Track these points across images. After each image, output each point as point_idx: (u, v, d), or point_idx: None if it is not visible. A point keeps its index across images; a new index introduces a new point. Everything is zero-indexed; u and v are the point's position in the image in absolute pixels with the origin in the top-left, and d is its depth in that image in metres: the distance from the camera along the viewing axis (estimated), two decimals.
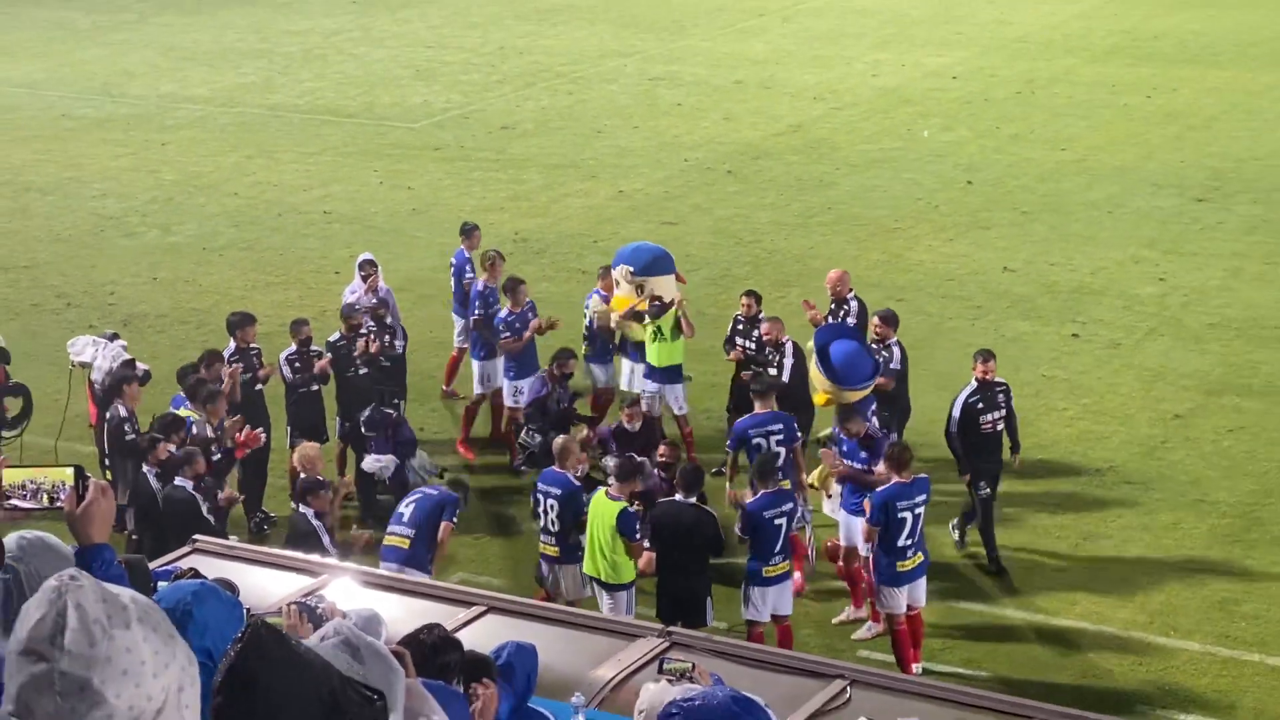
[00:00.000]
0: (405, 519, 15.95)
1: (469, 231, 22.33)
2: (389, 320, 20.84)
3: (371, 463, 18.96)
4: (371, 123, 36.37)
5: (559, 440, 16.90)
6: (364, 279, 21.48)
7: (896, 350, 19.23)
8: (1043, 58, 40.06)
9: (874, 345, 19.13)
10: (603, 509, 15.71)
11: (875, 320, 19.47)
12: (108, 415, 17.99)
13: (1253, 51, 39.81)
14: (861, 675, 10.41)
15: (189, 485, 16.21)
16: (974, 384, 17.85)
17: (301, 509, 15.91)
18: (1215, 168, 31.13)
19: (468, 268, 21.81)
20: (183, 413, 17.76)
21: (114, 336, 19.80)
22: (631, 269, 20.68)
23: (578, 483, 16.41)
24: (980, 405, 17.70)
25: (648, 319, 20.05)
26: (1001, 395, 17.89)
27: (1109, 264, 26.29)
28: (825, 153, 32.95)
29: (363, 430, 19.15)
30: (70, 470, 5.22)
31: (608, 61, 41.26)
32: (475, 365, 21.11)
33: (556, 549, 16.30)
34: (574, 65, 40.97)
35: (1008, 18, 44.60)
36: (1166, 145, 32.80)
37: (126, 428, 17.68)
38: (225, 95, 39.12)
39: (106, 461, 18.31)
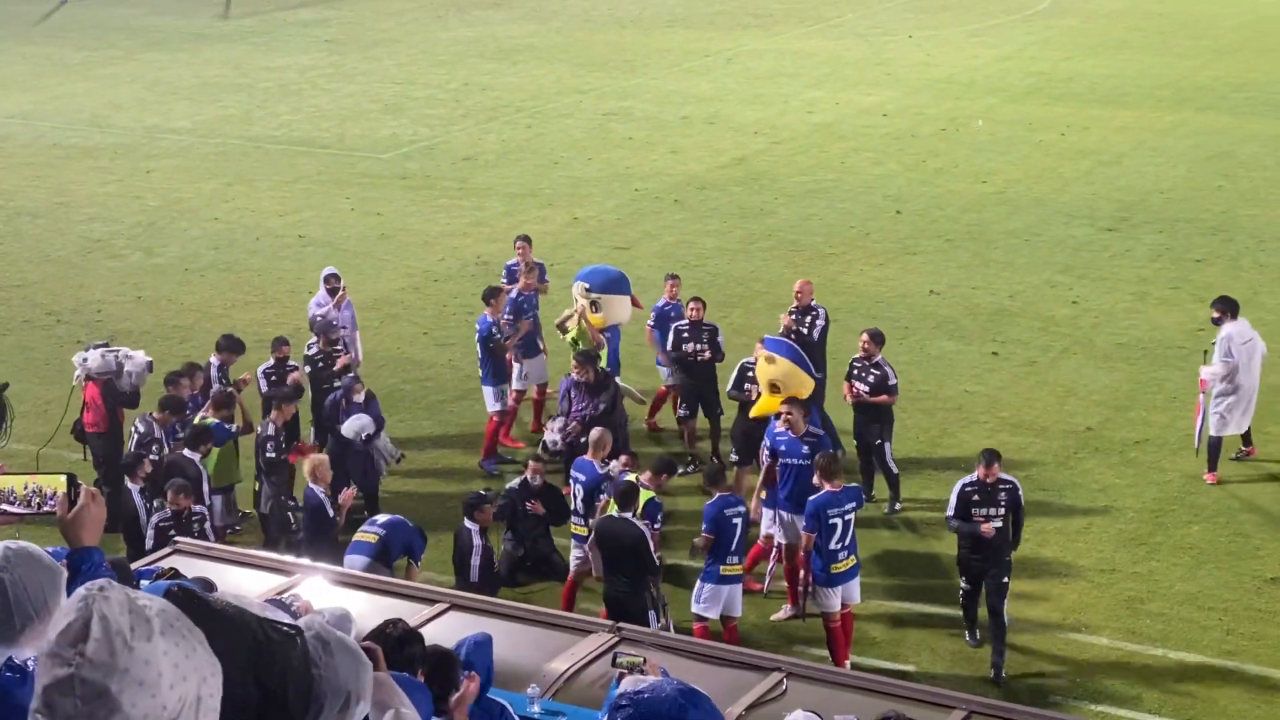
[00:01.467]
0: (379, 523, 16.30)
1: (490, 296, 21.02)
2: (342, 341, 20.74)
3: (351, 425, 18.75)
4: (343, 153, 36.27)
5: (595, 432, 17.50)
6: (330, 292, 21.46)
7: (888, 368, 19.23)
8: (966, 97, 40.24)
9: (862, 362, 19.15)
10: (640, 498, 16.05)
11: (864, 337, 19.47)
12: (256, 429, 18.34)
13: (1158, 94, 40.09)
14: (797, 668, 10.44)
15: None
16: (975, 476, 16.12)
17: (311, 485, 16.69)
18: (1123, 200, 31.31)
19: (493, 330, 20.74)
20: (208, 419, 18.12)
21: (108, 344, 19.67)
22: (587, 285, 20.82)
23: (601, 471, 16.86)
24: (976, 497, 15.93)
25: (561, 329, 20.67)
26: (1004, 494, 15.99)
27: (1026, 288, 26.41)
28: (765, 184, 33.01)
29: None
30: (63, 478, 5.21)
31: (564, 98, 41.25)
32: (514, 365, 21.10)
33: (585, 529, 16.64)
34: (533, 101, 40.95)
35: (934, 60, 44.79)
36: (1079, 179, 32.98)
37: (269, 445, 18.03)
38: (206, 127, 38.94)
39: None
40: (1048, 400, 22.17)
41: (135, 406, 19.00)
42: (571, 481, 17.37)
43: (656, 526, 16.03)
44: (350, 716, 3.81)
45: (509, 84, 43.05)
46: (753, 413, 18.32)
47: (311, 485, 16.77)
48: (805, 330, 20.16)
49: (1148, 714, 15.10)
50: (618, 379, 20.08)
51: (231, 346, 19.97)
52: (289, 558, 13.47)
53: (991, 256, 28.07)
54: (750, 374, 18.85)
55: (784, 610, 16.99)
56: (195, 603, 3.70)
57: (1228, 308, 19.92)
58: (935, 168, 34.02)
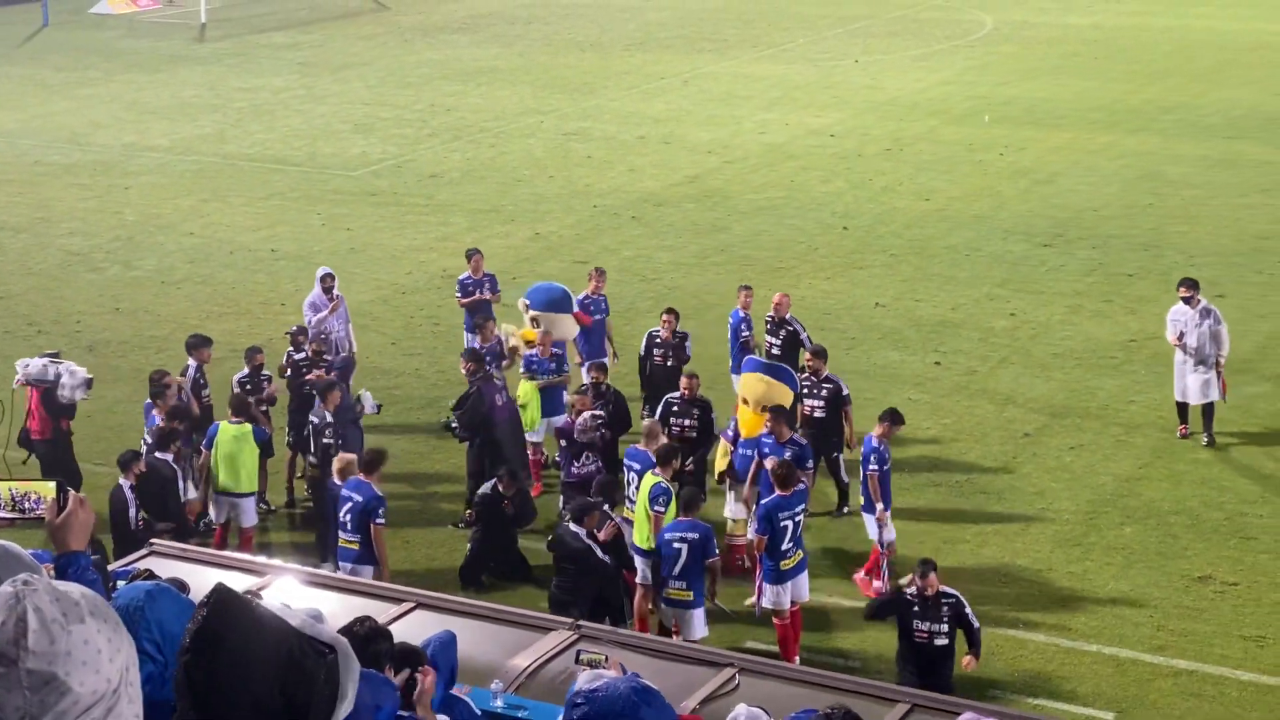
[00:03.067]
0: (349, 527, 16.52)
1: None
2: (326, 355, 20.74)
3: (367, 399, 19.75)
4: (314, 171, 36.15)
5: (647, 421, 17.91)
6: (325, 290, 21.54)
7: (838, 380, 19.34)
8: (909, 119, 40.38)
9: (810, 379, 19.19)
10: (647, 483, 16.43)
11: (807, 356, 19.58)
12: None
13: (1091, 115, 40.31)
14: (749, 664, 10.43)
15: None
16: (914, 588, 14.55)
17: (337, 482, 16.89)
18: (1058, 217, 31.46)
19: (743, 327, 21.23)
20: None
21: (56, 355, 19.52)
22: (529, 302, 20.93)
23: (654, 459, 16.98)
24: (916, 609, 14.40)
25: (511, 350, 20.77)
26: (947, 609, 14.41)
27: (967, 301, 26.51)
28: (719, 201, 33.05)
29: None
30: (52, 484, 5.20)
31: (526, 118, 41.22)
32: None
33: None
34: (496, 121, 40.90)
35: (879, 84, 44.94)
36: (1016, 197, 33.12)
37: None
38: (183, 145, 38.76)
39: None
40: (987, 408, 22.26)
41: (73, 417, 19.00)
42: (625, 470, 17.54)
43: (659, 509, 16.19)
44: (336, 715, 3.84)
45: (473, 105, 43.00)
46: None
47: (337, 481, 16.88)
48: (779, 341, 20.46)
49: (1081, 707, 15.16)
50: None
51: (201, 342, 19.87)
52: (260, 558, 13.40)
53: (934, 271, 28.17)
54: (658, 340, 20.43)
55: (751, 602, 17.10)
56: (239, 605, 3.70)
57: (1193, 289, 21.06)
58: (880, 186, 34.12)
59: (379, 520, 16.47)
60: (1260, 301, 25.84)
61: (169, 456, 17.38)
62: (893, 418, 17.57)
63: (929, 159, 36.33)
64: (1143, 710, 15.20)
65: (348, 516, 16.49)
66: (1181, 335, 20.90)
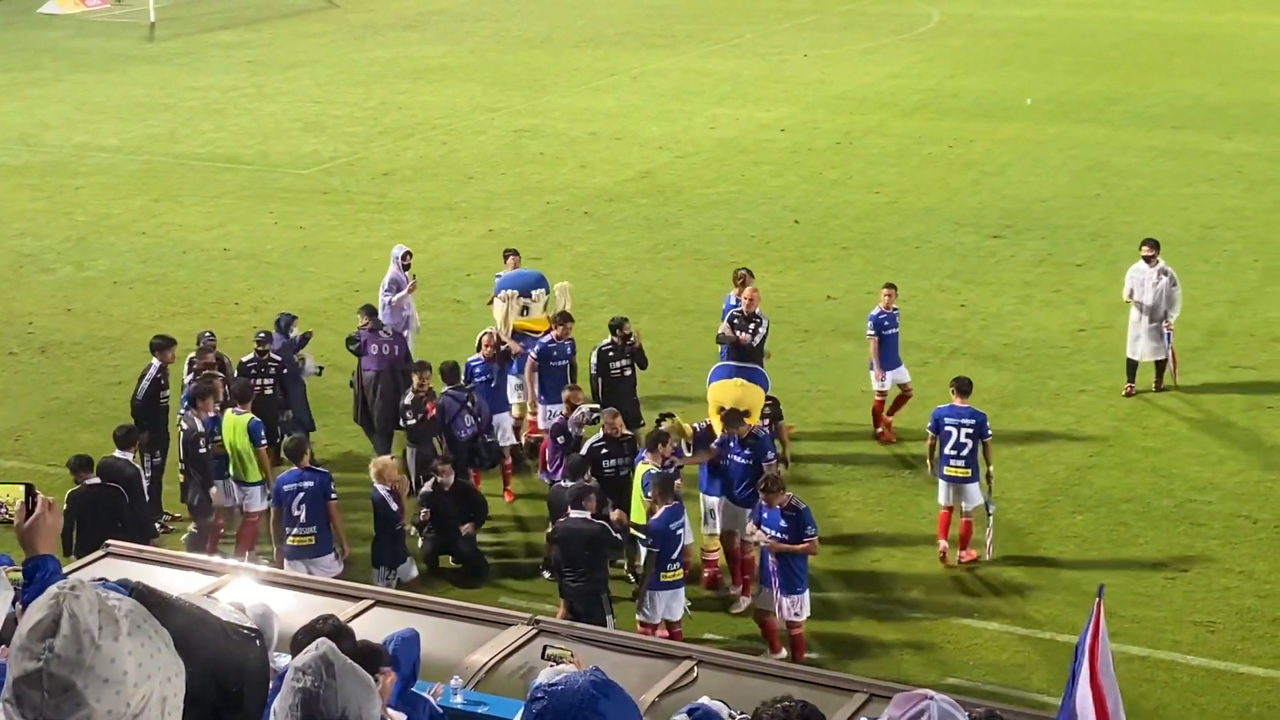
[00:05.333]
0: (302, 519, 16.40)
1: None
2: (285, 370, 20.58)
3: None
4: (266, 169, 35.96)
5: (667, 423, 17.53)
6: (404, 268, 22.07)
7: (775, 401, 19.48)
8: (859, 113, 40.48)
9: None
10: (639, 472, 16.53)
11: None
12: (184, 427, 17.83)
13: (1039, 107, 40.52)
14: (707, 657, 10.46)
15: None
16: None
17: (377, 485, 16.68)
18: (1007, 208, 31.61)
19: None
20: None
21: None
22: (516, 290, 20.90)
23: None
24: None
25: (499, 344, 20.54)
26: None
27: (918, 293, 26.58)
28: (670, 196, 33.05)
29: None
30: (21, 487, 5.15)
31: (478, 115, 41.12)
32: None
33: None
34: (448, 119, 40.78)
35: (828, 78, 45.02)
36: (966, 189, 33.26)
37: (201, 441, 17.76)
38: (133, 145, 38.49)
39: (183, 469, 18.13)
40: (939, 399, 22.22)
41: None
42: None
43: (649, 497, 16.08)
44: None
45: (424, 102, 42.86)
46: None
47: (377, 485, 16.69)
48: (749, 336, 20.31)
49: (1037, 693, 15.22)
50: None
51: (166, 344, 19.57)
52: (215, 558, 13.35)
53: (884, 263, 28.24)
54: (611, 355, 19.62)
55: (740, 604, 17.09)
56: (158, 600, 3.68)
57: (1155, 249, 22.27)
58: (831, 179, 34.20)
59: (333, 496, 16.64)
60: (1206, 290, 26.03)
61: (129, 456, 17.18)
62: (959, 386, 18.40)
63: (879, 152, 36.43)
64: None
65: (301, 508, 16.41)
66: (1131, 292, 21.98)
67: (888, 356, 20.83)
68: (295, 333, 21.05)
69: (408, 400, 18.83)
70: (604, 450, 17.45)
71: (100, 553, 11.91)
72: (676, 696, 9.66)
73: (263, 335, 20.40)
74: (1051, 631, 16.36)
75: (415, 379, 18.88)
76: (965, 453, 17.76)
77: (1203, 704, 15.21)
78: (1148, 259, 22.08)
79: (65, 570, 10.12)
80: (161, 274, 28.42)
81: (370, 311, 20.67)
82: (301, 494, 16.46)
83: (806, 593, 15.71)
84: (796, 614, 15.63)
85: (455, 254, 28.96)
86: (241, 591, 10.57)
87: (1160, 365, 22.06)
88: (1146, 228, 29.80)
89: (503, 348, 20.15)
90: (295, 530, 16.49)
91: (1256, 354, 23.82)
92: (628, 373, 19.93)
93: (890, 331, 20.98)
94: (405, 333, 21.44)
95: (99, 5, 60.74)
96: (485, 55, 49.78)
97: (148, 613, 3.33)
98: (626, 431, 18.08)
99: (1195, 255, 27.90)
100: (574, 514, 15.53)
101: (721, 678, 9.94)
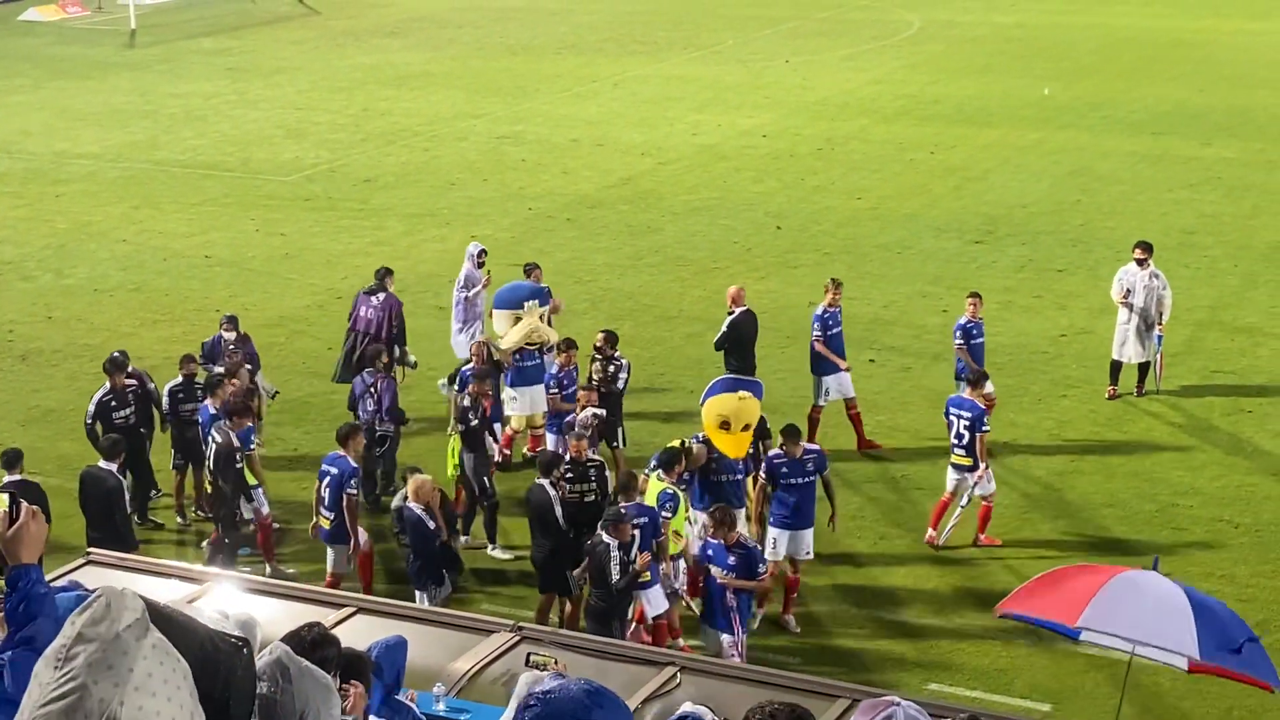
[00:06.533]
0: (326, 503, 16.96)
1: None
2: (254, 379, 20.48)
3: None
4: (247, 176, 35.90)
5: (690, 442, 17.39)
6: (479, 265, 22.61)
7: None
8: (840, 119, 40.55)
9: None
10: (653, 489, 16.32)
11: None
12: (218, 440, 17.75)
13: (1020, 113, 40.62)
14: (691, 663, 10.46)
15: None
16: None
17: (412, 505, 16.24)
18: (989, 214, 31.68)
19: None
20: None
21: None
22: (535, 301, 20.82)
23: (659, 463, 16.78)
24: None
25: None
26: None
27: (899, 298, 26.63)
28: (652, 202, 33.07)
29: None
30: (4, 496, 5.15)
31: (460, 122, 41.11)
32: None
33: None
34: (430, 125, 40.77)
35: (809, 84, 45.10)
36: (947, 195, 33.33)
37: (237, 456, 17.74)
38: (114, 152, 38.41)
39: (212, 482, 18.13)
40: (921, 404, 22.36)
41: None
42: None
43: (666, 515, 15.99)
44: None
45: (406, 109, 42.84)
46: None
47: (412, 505, 16.19)
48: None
49: (1019, 699, 15.27)
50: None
51: (118, 368, 18.99)
52: (198, 566, 13.31)
53: (866, 269, 28.29)
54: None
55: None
56: (150, 609, 3.68)
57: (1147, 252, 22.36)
58: (813, 185, 34.24)
59: (350, 490, 16.81)
60: (1186, 295, 26.08)
61: (113, 467, 17.04)
62: (979, 380, 18.70)
63: (860, 158, 36.50)
64: (1078, 701, 15.33)
65: (327, 491, 16.92)
66: (1128, 293, 22.04)
67: (978, 362, 20.79)
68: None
69: (466, 402, 18.64)
70: (568, 474, 16.81)
71: (81, 560, 11.85)
72: (660, 702, 9.66)
73: (188, 356, 20.04)
74: (1032, 638, 16.37)
75: (473, 386, 18.71)
76: (965, 442, 18.25)
77: (1185, 708, 15.25)
78: (1140, 262, 22.20)
79: (47, 578, 10.09)
80: (142, 281, 28.36)
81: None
82: (329, 477, 16.93)
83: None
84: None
85: (436, 260, 28.93)
86: (224, 599, 10.54)
87: (1144, 369, 22.15)
88: (1127, 233, 29.91)
89: (496, 358, 20.14)
90: (322, 510, 17.06)
91: (1236, 359, 23.91)
92: (615, 388, 19.78)
93: (978, 340, 21.15)
94: (476, 325, 21.89)
95: (79, 12, 60.64)
96: (467, 62, 49.78)
97: (180, 661, 3.38)
98: (594, 457, 17.31)
99: (1175, 260, 27.95)
100: (605, 537, 15.23)
101: (704, 683, 9.94)
